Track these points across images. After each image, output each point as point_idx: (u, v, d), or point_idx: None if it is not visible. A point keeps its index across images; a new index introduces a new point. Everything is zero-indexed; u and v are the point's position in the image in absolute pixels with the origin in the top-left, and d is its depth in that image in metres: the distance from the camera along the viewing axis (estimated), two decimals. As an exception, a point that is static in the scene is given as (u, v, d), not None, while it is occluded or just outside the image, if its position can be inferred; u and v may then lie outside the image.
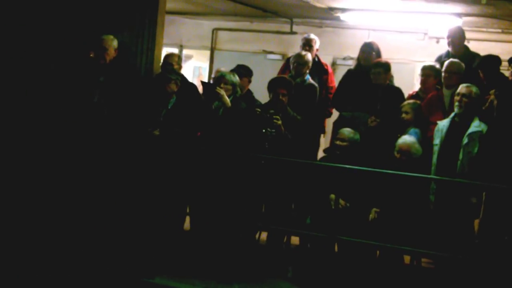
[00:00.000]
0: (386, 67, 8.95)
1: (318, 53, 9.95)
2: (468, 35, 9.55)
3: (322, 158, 8.61)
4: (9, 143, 8.67)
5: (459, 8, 9.88)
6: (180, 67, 9.11)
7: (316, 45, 9.89)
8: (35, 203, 8.44)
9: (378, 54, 9.39)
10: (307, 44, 9.83)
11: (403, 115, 8.34)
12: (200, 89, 9.02)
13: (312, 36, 10.00)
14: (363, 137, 8.32)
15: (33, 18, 9.11)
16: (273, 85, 8.53)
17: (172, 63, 8.89)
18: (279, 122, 8.14)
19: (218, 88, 8.27)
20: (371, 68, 8.99)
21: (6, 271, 7.69)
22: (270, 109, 8.24)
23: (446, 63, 8.61)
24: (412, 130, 8.21)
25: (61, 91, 8.71)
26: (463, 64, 8.55)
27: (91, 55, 8.71)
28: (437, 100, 8.55)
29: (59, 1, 9.15)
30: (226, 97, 8.28)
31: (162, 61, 9.08)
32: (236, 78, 8.53)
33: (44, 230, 8.21)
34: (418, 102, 8.49)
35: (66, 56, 8.91)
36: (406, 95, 9.08)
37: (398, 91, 9.02)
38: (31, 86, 8.84)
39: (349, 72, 9.65)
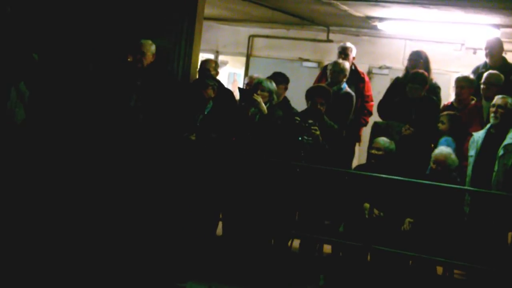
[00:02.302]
0: (424, 82, 8.90)
1: (354, 62, 9.94)
2: (506, 46, 9.48)
3: (357, 167, 8.60)
4: (46, 143, 8.73)
5: (497, 19, 9.84)
6: (217, 73, 9.15)
7: (352, 53, 9.88)
8: (69, 204, 8.50)
9: (426, 63, 9.36)
10: (343, 53, 9.83)
11: (439, 124, 8.32)
12: (236, 95, 9.06)
13: (349, 44, 10.00)
14: (397, 145, 8.31)
15: (74, 21, 9.20)
16: (311, 94, 8.52)
17: (210, 69, 8.93)
18: (317, 132, 8.13)
19: (255, 95, 8.29)
20: (407, 82, 8.95)
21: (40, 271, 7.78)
22: (308, 118, 8.24)
23: (485, 74, 8.55)
24: (444, 138, 8.19)
25: (98, 93, 8.78)
26: (502, 76, 8.49)
27: (129, 59, 8.76)
28: (476, 112, 8.51)
29: (100, 5, 9.23)
30: (263, 104, 8.29)
31: (199, 66, 9.12)
32: (273, 85, 8.53)
33: (79, 233, 8.27)
34: (457, 113, 8.45)
35: (105, 59, 8.98)
36: (441, 106, 9.06)
37: (433, 102, 8.99)
38: (69, 88, 8.90)
39: (397, 80, 9.64)
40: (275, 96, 8.58)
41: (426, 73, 9.03)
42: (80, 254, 8.01)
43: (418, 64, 9.33)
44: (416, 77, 8.93)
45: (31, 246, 8.05)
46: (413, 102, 8.87)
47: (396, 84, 9.54)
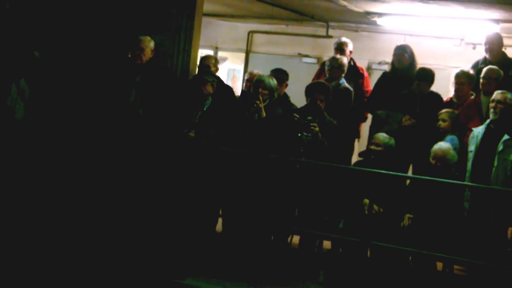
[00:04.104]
0: (431, 79, 8.93)
1: (353, 57, 9.94)
2: (505, 41, 9.46)
3: (356, 163, 8.60)
4: (46, 140, 8.73)
5: (497, 14, 9.83)
6: (217, 69, 9.14)
7: (349, 48, 9.87)
8: (69, 200, 8.51)
9: (411, 56, 9.37)
10: (339, 48, 9.84)
11: (440, 122, 8.29)
12: (236, 91, 9.04)
13: (344, 39, 9.99)
14: (395, 135, 8.32)
15: (73, 18, 9.20)
16: (311, 90, 8.52)
17: (209, 65, 8.93)
18: (317, 129, 8.13)
19: (258, 101, 8.26)
20: (415, 78, 8.94)
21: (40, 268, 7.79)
22: (308, 114, 8.23)
23: (484, 69, 8.55)
24: (449, 137, 8.17)
25: (98, 89, 8.78)
26: (501, 71, 8.49)
27: (129, 55, 8.76)
28: (475, 107, 8.51)
29: (99, 2, 9.23)
30: (263, 110, 8.29)
31: (198, 63, 9.12)
32: (274, 82, 8.51)
33: (78, 229, 8.27)
34: (456, 111, 8.43)
35: (104, 55, 8.97)
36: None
37: (438, 96, 8.98)
38: (69, 85, 8.91)
39: (384, 75, 9.64)
40: (275, 94, 8.57)
41: (433, 70, 9.01)
42: (78, 250, 8.01)
43: (403, 58, 9.35)
44: (423, 74, 8.93)
45: (32, 242, 8.07)
46: (417, 96, 8.88)
47: (384, 79, 9.54)
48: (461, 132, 8.29)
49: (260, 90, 8.38)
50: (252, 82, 8.67)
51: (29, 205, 8.40)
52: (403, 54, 9.38)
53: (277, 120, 8.31)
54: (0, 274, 7.57)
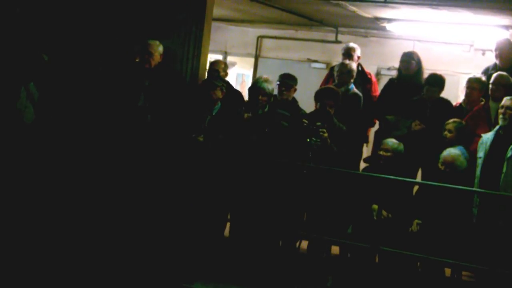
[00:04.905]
0: (441, 84, 8.90)
1: (362, 63, 9.93)
2: (515, 48, 9.45)
3: (365, 168, 8.59)
4: (56, 144, 8.75)
5: (507, 20, 9.82)
6: (226, 74, 9.15)
7: (356, 53, 9.84)
8: (78, 204, 8.52)
9: (419, 63, 9.34)
10: (347, 53, 9.81)
11: (446, 132, 8.25)
12: (245, 95, 9.06)
13: (352, 44, 9.97)
14: (405, 140, 8.32)
15: (83, 22, 9.23)
16: (320, 96, 8.52)
17: (219, 70, 8.94)
18: (326, 134, 8.12)
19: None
20: (425, 84, 8.92)
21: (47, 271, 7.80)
22: (317, 120, 8.22)
23: (494, 75, 8.52)
24: (458, 148, 8.12)
25: (106, 93, 8.79)
26: (511, 77, 8.46)
27: (137, 60, 8.77)
28: (484, 113, 8.48)
29: (108, 6, 9.24)
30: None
31: (208, 67, 9.13)
32: (272, 86, 8.58)
33: (86, 233, 8.28)
34: (463, 122, 8.39)
35: (113, 59, 8.99)
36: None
37: (448, 102, 8.96)
38: (77, 88, 8.92)
39: (391, 81, 9.62)
40: (272, 97, 8.62)
41: (443, 76, 8.98)
42: (88, 254, 8.02)
43: (411, 65, 9.31)
44: (434, 80, 8.91)
45: (44, 247, 8.09)
46: (427, 102, 8.87)
47: (391, 85, 9.53)
48: (467, 142, 8.25)
49: (260, 97, 8.43)
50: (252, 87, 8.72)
51: (39, 207, 8.41)
52: (410, 61, 9.35)
53: (286, 126, 8.32)
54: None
